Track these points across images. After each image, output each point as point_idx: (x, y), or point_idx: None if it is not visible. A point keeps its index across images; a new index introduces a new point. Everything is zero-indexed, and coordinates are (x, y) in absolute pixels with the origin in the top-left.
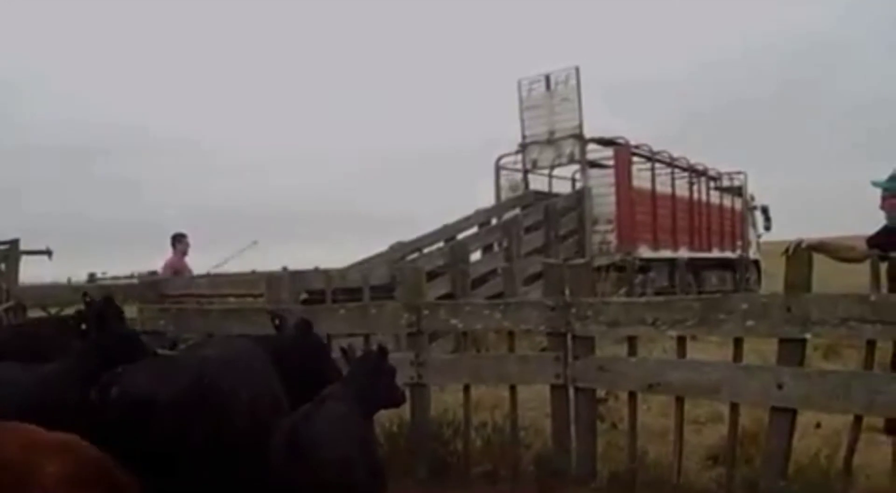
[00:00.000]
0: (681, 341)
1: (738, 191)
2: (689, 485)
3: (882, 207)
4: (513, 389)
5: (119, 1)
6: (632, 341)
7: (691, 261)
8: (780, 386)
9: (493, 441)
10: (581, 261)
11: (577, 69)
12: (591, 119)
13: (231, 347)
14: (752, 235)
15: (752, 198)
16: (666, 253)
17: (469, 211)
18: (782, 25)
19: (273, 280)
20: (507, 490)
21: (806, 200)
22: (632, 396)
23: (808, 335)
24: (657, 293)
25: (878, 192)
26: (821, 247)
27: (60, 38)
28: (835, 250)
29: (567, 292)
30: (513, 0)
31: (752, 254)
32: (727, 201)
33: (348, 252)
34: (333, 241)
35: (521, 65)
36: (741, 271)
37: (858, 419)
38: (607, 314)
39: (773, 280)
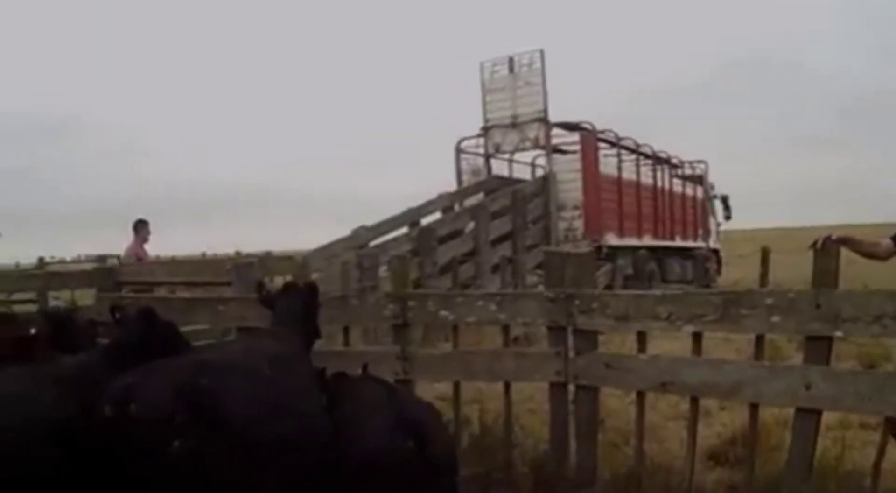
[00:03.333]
0: (697, 337)
1: (699, 179)
2: (700, 488)
3: None
4: (507, 386)
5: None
6: (641, 337)
7: (655, 249)
8: (807, 386)
9: (483, 442)
10: (584, 249)
11: (542, 52)
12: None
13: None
14: (712, 225)
15: (713, 187)
16: (631, 241)
17: (428, 195)
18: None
19: (242, 267)
20: None
21: (760, 188)
22: (640, 395)
23: (838, 333)
24: (625, 281)
25: None
26: (847, 242)
27: None
28: (859, 245)
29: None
30: None
31: (713, 243)
32: (689, 190)
33: (301, 235)
34: (283, 223)
35: (483, 47)
36: (703, 260)
37: (889, 421)
38: (615, 308)
39: (733, 269)
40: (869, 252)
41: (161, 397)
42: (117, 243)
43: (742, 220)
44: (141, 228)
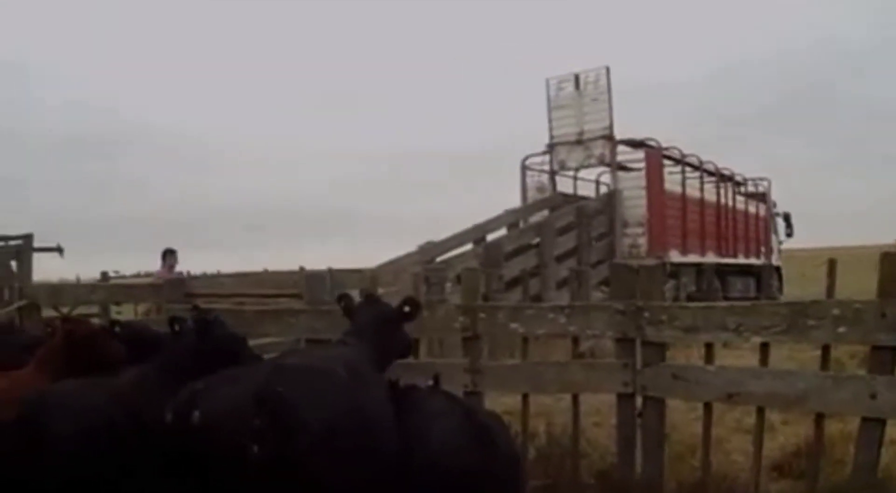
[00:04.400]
0: (764, 348)
1: (761, 197)
2: None
3: None
4: (575, 397)
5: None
6: (709, 349)
7: (718, 266)
8: (872, 396)
9: (550, 453)
10: (654, 262)
11: (608, 69)
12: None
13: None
14: (774, 242)
15: (775, 204)
16: (694, 258)
17: (493, 213)
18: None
19: (312, 280)
20: None
21: (819, 208)
22: (708, 406)
23: None
24: (688, 298)
25: None
26: None
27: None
28: None
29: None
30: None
31: (775, 260)
32: (752, 207)
33: (362, 253)
34: (345, 241)
35: (546, 65)
36: (765, 277)
37: None
38: (683, 319)
39: (792, 287)
40: None
41: (239, 403)
42: (180, 259)
43: (803, 238)
44: (169, 256)
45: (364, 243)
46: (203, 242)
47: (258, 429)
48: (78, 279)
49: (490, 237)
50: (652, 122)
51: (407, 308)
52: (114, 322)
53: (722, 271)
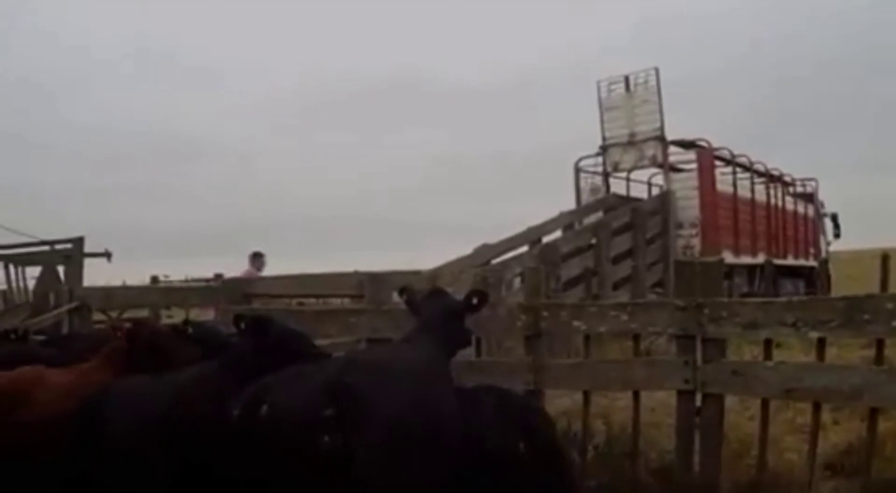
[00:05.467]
0: (821, 343)
1: (809, 197)
2: None
3: None
4: (636, 395)
5: None
6: (768, 345)
7: (769, 267)
8: None
9: (609, 452)
10: (713, 259)
11: (657, 70)
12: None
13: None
14: (822, 243)
15: (823, 205)
16: (747, 259)
17: (548, 215)
18: None
19: (374, 280)
20: None
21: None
22: (764, 402)
23: None
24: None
25: None
26: None
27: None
28: None
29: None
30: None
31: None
32: (801, 208)
33: (419, 258)
34: (401, 246)
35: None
36: (815, 278)
37: None
38: (743, 315)
39: (840, 288)
40: None
41: (309, 396)
42: (229, 266)
43: (850, 239)
44: (256, 259)
45: (421, 249)
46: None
47: (328, 420)
48: (124, 284)
49: (545, 239)
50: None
51: (474, 300)
52: (186, 323)
53: (772, 272)
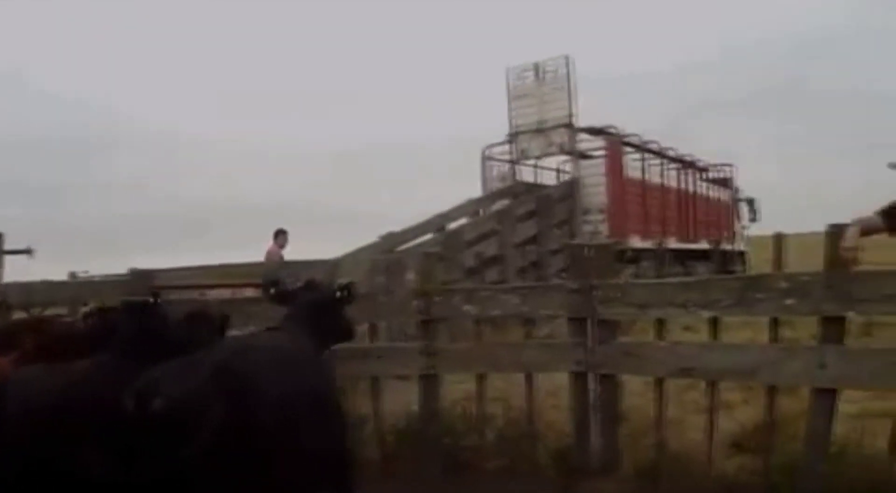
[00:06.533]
0: (714, 322)
1: (725, 182)
2: (721, 474)
3: None
4: (529, 378)
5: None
6: (661, 325)
7: (680, 252)
8: (822, 366)
9: (508, 435)
10: (605, 241)
11: (568, 58)
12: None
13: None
14: (738, 227)
15: (739, 189)
16: (655, 243)
17: (455, 203)
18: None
19: (271, 270)
20: (526, 486)
21: (791, 194)
22: (659, 382)
23: (850, 313)
24: None
25: None
26: (867, 232)
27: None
28: (872, 227)
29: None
30: None
31: (740, 245)
32: (715, 193)
33: (326, 247)
34: (310, 235)
35: (506, 54)
36: (729, 262)
37: None
38: (636, 297)
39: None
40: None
41: (190, 387)
42: (142, 262)
43: (773, 223)
44: (280, 236)
45: (329, 238)
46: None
47: (218, 405)
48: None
49: (451, 226)
50: (634, 112)
51: (341, 293)
52: (86, 315)
53: (684, 256)
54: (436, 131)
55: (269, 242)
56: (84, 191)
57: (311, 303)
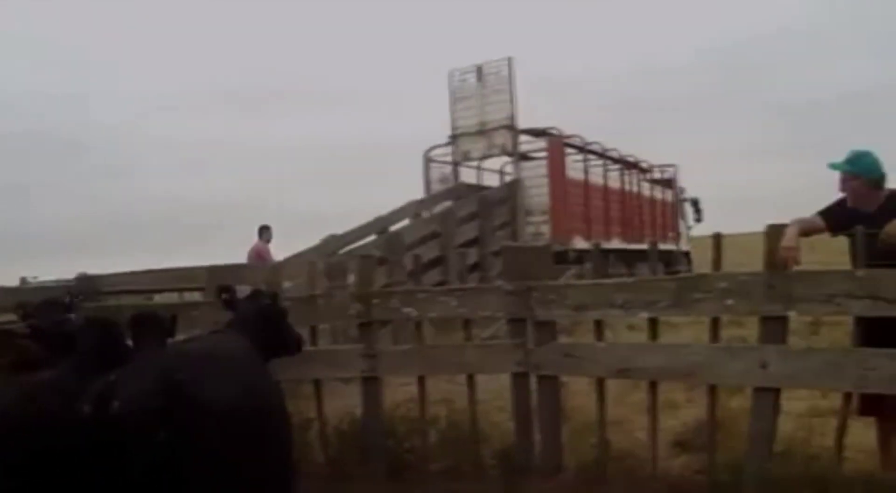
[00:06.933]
0: (653, 323)
1: (668, 183)
2: (665, 473)
3: (841, 190)
4: (471, 379)
5: None
6: (599, 326)
7: (624, 252)
8: (763, 366)
9: (452, 437)
10: (542, 243)
11: (510, 60)
12: (526, 112)
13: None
14: (682, 227)
15: (683, 190)
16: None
17: (397, 205)
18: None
19: (213, 273)
20: (470, 487)
21: (734, 194)
22: (600, 383)
23: (791, 313)
24: None
25: (836, 175)
26: (806, 233)
27: None
28: (812, 228)
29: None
30: None
31: (684, 246)
32: (658, 193)
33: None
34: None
35: (451, 57)
36: (673, 262)
37: (847, 398)
38: (573, 298)
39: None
40: (818, 230)
41: (142, 390)
42: (98, 266)
43: (718, 224)
44: (265, 232)
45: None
46: (130, 244)
47: (163, 412)
48: None
49: (393, 229)
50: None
51: (265, 301)
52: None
53: (628, 257)
54: (382, 133)
55: (254, 239)
56: (45, 191)
57: (256, 314)
